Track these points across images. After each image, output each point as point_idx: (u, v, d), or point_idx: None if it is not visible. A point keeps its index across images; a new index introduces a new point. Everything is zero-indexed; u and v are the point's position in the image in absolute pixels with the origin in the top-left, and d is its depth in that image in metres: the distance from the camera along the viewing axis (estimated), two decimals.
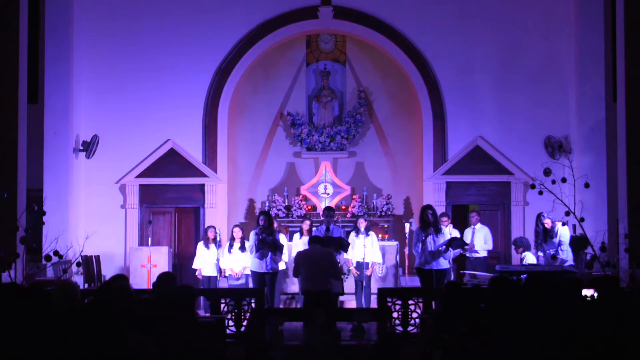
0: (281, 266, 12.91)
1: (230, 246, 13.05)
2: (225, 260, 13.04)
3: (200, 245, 13.45)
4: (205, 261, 13.35)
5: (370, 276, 13.06)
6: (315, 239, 10.29)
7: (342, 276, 11.66)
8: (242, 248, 12.86)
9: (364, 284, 12.87)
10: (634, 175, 11.38)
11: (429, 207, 11.70)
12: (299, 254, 10.68)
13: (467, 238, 14.02)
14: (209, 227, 13.72)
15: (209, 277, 13.27)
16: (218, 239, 13.52)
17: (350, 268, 12.82)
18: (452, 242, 12.08)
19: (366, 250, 12.74)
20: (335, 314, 8.69)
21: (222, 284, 13.33)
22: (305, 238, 13.09)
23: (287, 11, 16.13)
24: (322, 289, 9.74)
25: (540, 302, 5.28)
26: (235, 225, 13.49)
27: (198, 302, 11.51)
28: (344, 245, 11.89)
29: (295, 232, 14.20)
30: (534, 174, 12.53)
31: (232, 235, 13.20)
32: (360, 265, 12.73)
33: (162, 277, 6.96)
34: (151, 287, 8.23)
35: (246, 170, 17.11)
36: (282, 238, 13.11)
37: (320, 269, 9.83)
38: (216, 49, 16.05)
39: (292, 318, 9.57)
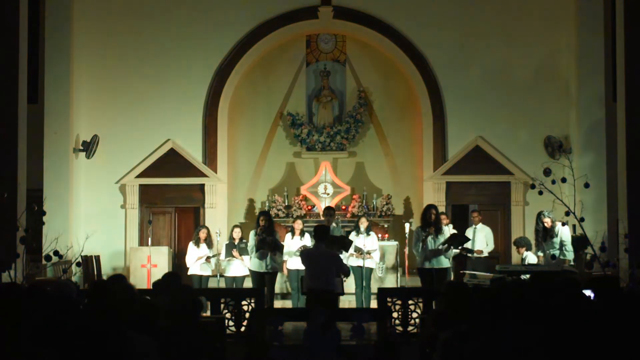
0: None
1: (227, 247, 13.04)
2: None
3: (191, 245, 13.39)
4: (195, 260, 13.29)
5: (370, 276, 13.05)
6: (320, 234, 10.16)
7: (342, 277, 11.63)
8: (207, 244, 13.09)
9: (364, 284, 12.87)
10: (634, 175, 11.38)
11: (432, 206, 11.67)
12: (303, 253, 10.68)
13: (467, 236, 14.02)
14: (201, 227, 13.69)
15: (200, 277, 13.23)
16: (211, 239, 13.39)
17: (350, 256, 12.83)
18: (453, 240, 12.06)
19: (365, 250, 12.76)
20: (335, 314, 8.68)
21: (212, 283, 13.28)
22: (297, 238, 13.08)
23: (287, 11, 16.13)
24: (325, 289, 9.73)
25: (541, 302, 5.28)
26: (236, 226, 13.47)
27: (205, 304, 11.49)
28: (346, 245, 11.86)
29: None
30: (534, 174, 12.53)
31: (232, 235, 13.17)
32: (359, 251, 12.70)
33: (168, 277, 6.96)
34: (151, 287, 8.22)
35: (246, 170, 17.11)
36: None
37: (323, 268, 9.82)
38: (216, 49, 16.05)
39: (292, 318, 9.56)
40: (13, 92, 11.18)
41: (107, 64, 15.95)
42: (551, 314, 5.09)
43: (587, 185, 9.88)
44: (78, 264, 10.66)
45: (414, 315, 9.96)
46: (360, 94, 17.01)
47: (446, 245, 11.37)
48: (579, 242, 11.96)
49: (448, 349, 4.76)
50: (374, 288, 12.55)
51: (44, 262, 10.29)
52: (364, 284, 12.87)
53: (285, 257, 12.98)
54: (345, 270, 10.30)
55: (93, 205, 15.79)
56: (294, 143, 17.08)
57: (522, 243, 12.66)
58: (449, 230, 13.28)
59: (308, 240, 12.92)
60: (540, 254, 11.79)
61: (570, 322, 4.95)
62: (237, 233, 13.11)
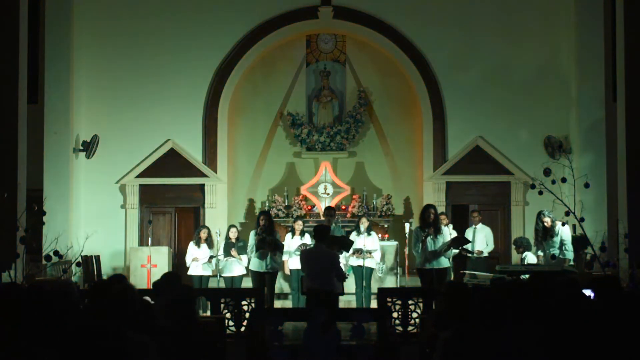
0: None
1: (225, 247, 13.04)
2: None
3: (191, 244, 13.36)
4: (192, 260, 13.27)
5: (370, 276, 13.05)
6: (320, 234, 10.13)
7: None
8: (208, 244, 13.11)
9: (364, 284, 12.86)
10: (634, 175, 11.37)
11: (431, 206, 11.64)
12: (303, 252, 10.68)
13: (468, 238, 14.01)
14: (202, 227, 13.67)
15: (201, 277, 13.21)
16: (212, 239, 13.36)
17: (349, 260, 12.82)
18: (454, 243, 12.06)
19: (365, 250, 12.75)
20: (335, 314, 8.68)
21: (212, 283, 13.26)
22: (297, 238, 13.10)
23: (287, 11, 16.14)
24: (324, 289, 9.72)
25: (541, 302, 5.28)
26: (232, 226, 13.46)
27: (199, 302, 11.49)
28: (346, 245, 11.83)
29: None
30: (534, 174, 12.53)
31: (228, 234, 13.17)
32: (360, 253, 12.70)
33: (168, 277, 6.96)
34: (151, 287, 8.22)
35: (246, 170, 17.11)
36: None
37: (322, 269, 9.82)
38: (216, 49, 16.05)
39: (292, 318, 9.56)
40: (13, 92, 11.17)
41: (107, 64, 15.96)
42: (551, 314, 5.09)
43: (587, 185, 9.88)
44: (78, 264, 10.66)
45: (414, 315, 9.96)
46: (360, 94, 17.00)
47: (446, 247, 11.36)
48: (579, 242, 11.95)
49: (448, 349, 4.76)
50: (374, 288, 12.54)
51: (44, 262, 10.29)
52: (364, 284, 12.86)
53: (285, 257, 12.99)
54: (341, 274, 10.23)
55: (93, 205, 15.80)
56: (294, 143, 17.08)
57: (521, 243, 12.65)
58: (448, 230, 13.26)
59: (308, 240, 12.93)
60: (540, 253, 11.78)
61: (570, 322, 4.95)
62: (233, 233, 13.11)
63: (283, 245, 12.79)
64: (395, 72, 16.71)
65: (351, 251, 12.49)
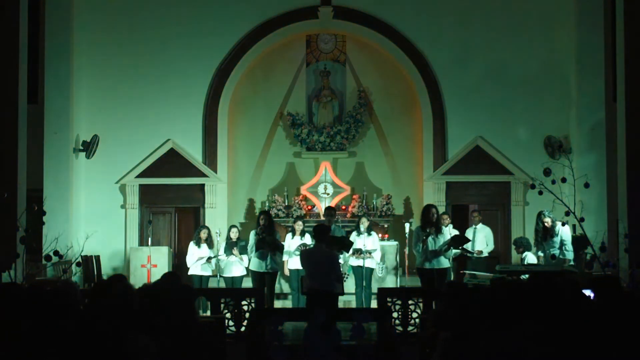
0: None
1: (227, 245, 13.04)
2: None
3: (192, 244, 13.35)
4: (197, 260, 13.26)
5: (370, 276, 13.05)
6: (320, 234, 10.12)
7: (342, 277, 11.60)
8: (208, 244, 13.08)
9: (364, 284, 12.87)
10: (634, 175, 11.39)
11: (432, 206, 11.63)
12: (303, 252, 10.68)
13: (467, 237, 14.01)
14: (202, 227, 13.66)
15: (201, 277, 13.19)
16: (212, 239, 13.34)
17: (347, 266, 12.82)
18: (454, 241, 12.05)
19: (365, 250, 12.75)
20: (335, 314, 8.68)
21: (212, 283, 13.26)
22: (298, 238, 13.10)
23: (287, 11, 16.14)
24: (324, 289, 9.72)
25: (541, 302, 5.28)
26: (233, 226, 13.46)
27: (199, 302, 11.49)
28: (346, 245, 11.83)
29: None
30: (534, 174, 12.54)
31: (229, 235, 13.16)
32: (360, 253, 12.70)
33: (167, 276, 6.95)
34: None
35: (246, 170, 17.11)
36: None
37: (322, 269, 9.82)
38: (216, 49, 16.06)
39: (292, 318, 9.56)
40: (13, 92, 11.18)
41: (107, 64, 15.96)
42: (551, 313, 5.09)
43: (587, 185, 9.88)
44: (78, 264, 10.67)
45: (414, 315, 9.97)
46: (360, 94, 17.00)
47: (446, 246, 11.35)
48: (579, 242, 11.95)
49: (448, 349, 4.76)
50: (374, 288, 12.56)
51: (44, 262, 10.30)
52: (364, 284, 12.87)
53: (285, 257, 12.99)
54: (339, 275, 10.22)
55: (93, 205, 15.79)
56: (294, 143, 17.08)
57: (521, 243, 12.65)
58: (449, 230, 13.27)
59: (308, 240, 12.93)
60: (540, 254, 11.78)
61: (570, 322, 4.95)
62: (234, 233, 13.11)
63: (283, 246, 12.79)
64: (395, 72, 16.71)
65: (351, 251, 12.49)
